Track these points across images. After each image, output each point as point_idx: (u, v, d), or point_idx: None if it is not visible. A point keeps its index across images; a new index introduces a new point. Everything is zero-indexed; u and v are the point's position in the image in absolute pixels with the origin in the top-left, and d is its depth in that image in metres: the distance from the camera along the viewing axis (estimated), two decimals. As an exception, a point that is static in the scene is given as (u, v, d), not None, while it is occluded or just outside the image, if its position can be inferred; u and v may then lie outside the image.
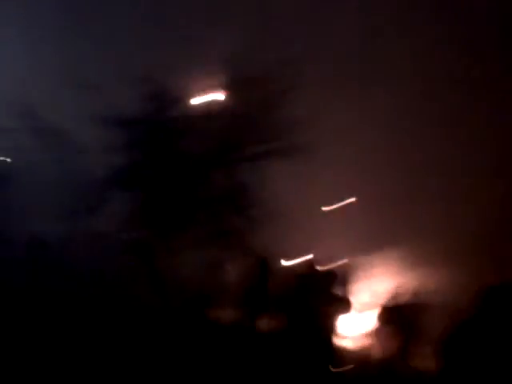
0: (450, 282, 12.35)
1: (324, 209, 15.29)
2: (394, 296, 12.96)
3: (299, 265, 9.24)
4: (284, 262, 11.85)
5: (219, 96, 10.17)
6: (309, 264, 9.03)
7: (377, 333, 8.87)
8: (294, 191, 13.60)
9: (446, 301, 12.35)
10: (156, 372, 7.56)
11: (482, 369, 4.40)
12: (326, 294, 8.73)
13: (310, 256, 9.56)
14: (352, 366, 8.96)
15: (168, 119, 10.03)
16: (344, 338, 8.99)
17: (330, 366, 8.52)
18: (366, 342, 8.94)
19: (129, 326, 9.05)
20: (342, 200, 14.22)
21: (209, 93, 10.28)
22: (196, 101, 10.30)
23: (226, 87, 10.24)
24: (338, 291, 9.13)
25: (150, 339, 8.79)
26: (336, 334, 8.90)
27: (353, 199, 12.88)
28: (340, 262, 13.90)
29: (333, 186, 14.36)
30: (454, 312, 10.89)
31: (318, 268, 9.12)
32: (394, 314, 11.57)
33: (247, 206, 10.13)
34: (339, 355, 8.99)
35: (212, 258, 10.71)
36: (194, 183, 10.14)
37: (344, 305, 9.01)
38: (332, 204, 15.26)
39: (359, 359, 8.92)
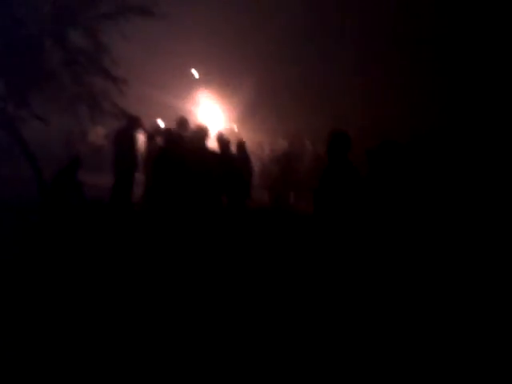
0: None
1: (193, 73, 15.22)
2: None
3: (172, 125, 9.19)
4: (158, 122, 11.83)
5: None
6: (181, 122, 8.99)
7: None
8: (159, 52, 13.37)
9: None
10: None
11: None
12: (200, 150, 8.82)
13: (181, 115, 9.54)
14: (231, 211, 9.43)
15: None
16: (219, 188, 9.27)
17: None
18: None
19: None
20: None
21: None
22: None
23: None
24: (212, 146, 9.29)
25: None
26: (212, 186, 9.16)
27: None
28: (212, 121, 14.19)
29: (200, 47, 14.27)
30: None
31: (191, 126, 9.12)
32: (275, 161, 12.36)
33: (111, 66, 9.72)
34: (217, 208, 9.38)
35: (79, 122, 10.40)
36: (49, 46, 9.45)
37: (220, 158, 9.23)
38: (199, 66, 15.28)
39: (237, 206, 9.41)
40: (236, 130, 12.84)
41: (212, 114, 14.86)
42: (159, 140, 9.51)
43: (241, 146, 9.70)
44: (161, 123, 11.82)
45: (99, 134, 13.76)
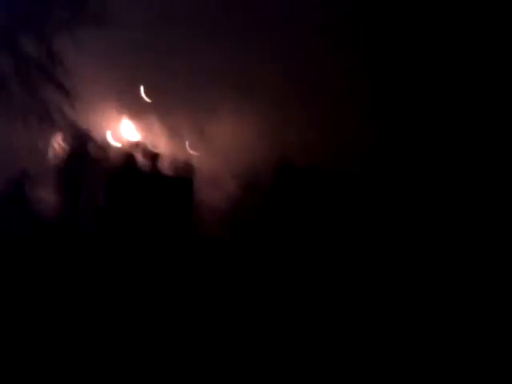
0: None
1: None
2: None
3: (126, 145, 9.12)
4: (111, 141, 11.52)
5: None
6: (135, 144, 8.95)
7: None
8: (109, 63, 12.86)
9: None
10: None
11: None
12: (153, 173, 8.79)
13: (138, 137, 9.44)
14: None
15: None
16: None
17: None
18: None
19: None
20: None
21: None
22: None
23: None
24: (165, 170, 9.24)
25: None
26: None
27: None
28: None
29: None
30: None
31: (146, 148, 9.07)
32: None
33: (62, 77, 9.41)
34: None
35: (30, 134, 9.97)
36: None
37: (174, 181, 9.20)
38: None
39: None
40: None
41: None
42: (112, 158, 9.40)
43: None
44: (110, 137, 11.54)
45: (51, 147, 13.28)
